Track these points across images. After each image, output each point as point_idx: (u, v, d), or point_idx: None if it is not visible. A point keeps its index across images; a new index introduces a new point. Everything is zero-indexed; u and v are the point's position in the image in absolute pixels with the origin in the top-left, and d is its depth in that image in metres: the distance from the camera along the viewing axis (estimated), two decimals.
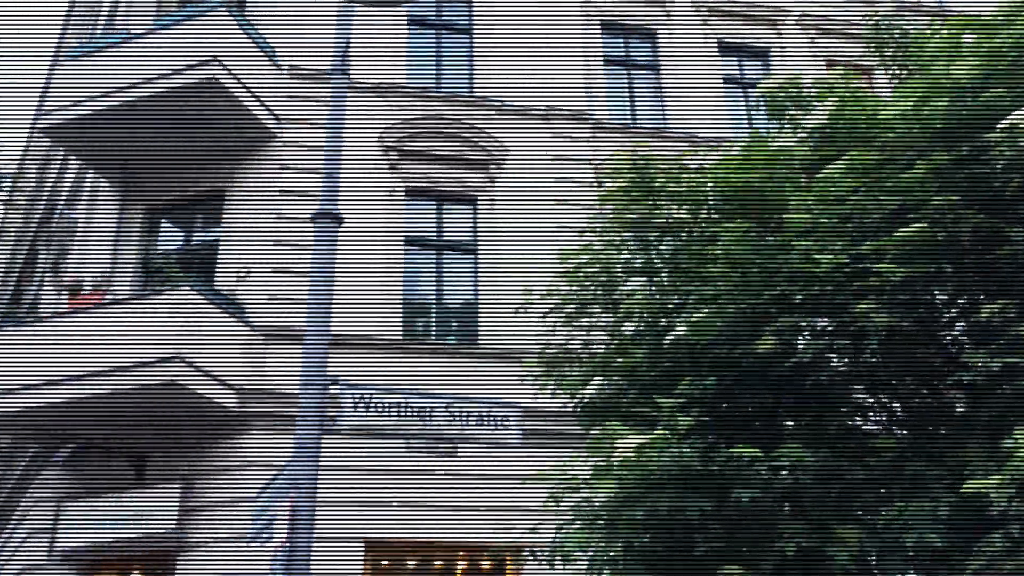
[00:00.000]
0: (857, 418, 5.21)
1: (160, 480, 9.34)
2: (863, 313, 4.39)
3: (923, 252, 4.45)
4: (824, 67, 14.23)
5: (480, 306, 10.86)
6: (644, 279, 5.97)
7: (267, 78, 11.12)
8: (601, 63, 13.42)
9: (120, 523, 9.18)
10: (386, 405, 5.14)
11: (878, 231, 4.65)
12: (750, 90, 14.07)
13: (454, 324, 11.22)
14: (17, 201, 17.81)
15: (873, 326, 4.38)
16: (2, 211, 19.14)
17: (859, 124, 5.35)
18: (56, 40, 17.05)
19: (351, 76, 10.61)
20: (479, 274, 11.12)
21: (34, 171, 17.68)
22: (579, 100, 12.57)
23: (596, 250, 6.05)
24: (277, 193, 10.74)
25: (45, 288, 13.49)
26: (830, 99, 5.56)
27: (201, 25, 10.69)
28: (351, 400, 5.09)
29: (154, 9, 12.62)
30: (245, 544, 7.87)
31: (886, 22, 6.10)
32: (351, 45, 6.57)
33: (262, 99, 10.88)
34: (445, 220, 11.57)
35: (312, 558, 4.86)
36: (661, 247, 5.92)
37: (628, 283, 6.00)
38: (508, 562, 9.53)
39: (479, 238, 11.34)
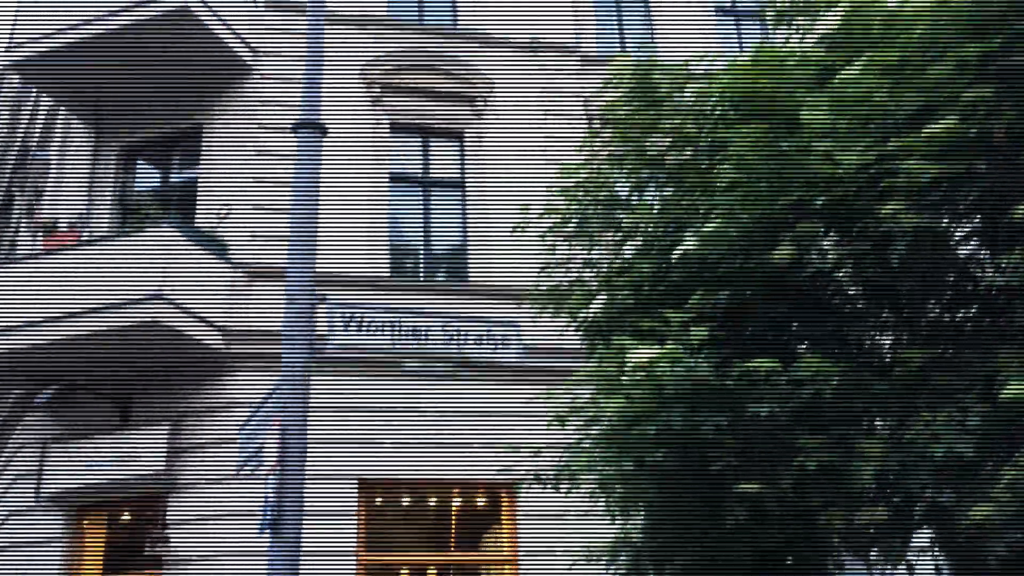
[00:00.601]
0: (877, 335, 4.97)
1: (147, 422, 9.10)
2: (890, 215, 4.12)
3: (954, 149, 4.17)
4: None
5: (471, 239, 10.56)
6: (649, 193, 5.67)
7: (242, 7, 10.64)
8: None
9: (108, 465, 8.97)
10: (378, 326, 4.86)
11: (904, 130, 4.35)
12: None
13: (443, 262, 10.92)
14: None
15: (900, 229, 4.11)
16: None
17: (875, 24, 5.02)
18: None
19: (329, 7, 10.25)
20: (469, 209, 10.80)
21: (5, 113, 17.14)
22: (566, 29, 12.13)
23: (597, 164, 5.74)
24: (256, 127, 10.34)
25: (22, 233, 13.12)
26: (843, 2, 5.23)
27: None
28: (341, 320, 4.80)
29: None
30: (235, 478, 7.71)
31: None
32: None
33: (236, 30, 10.42)
34: (432, 156, 11.21)
35: (305, 490, 4.64)
36: (666, 161, 5.61)
37: (632, 199, 5.70)
38: (504, 496, 9.41)
39: (467, 172, 11.00)
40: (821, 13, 5.59)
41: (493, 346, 5.12)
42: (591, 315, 5.47)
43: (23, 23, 10.64)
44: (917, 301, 4.79)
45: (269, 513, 4.36)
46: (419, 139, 11.16)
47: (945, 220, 4.52)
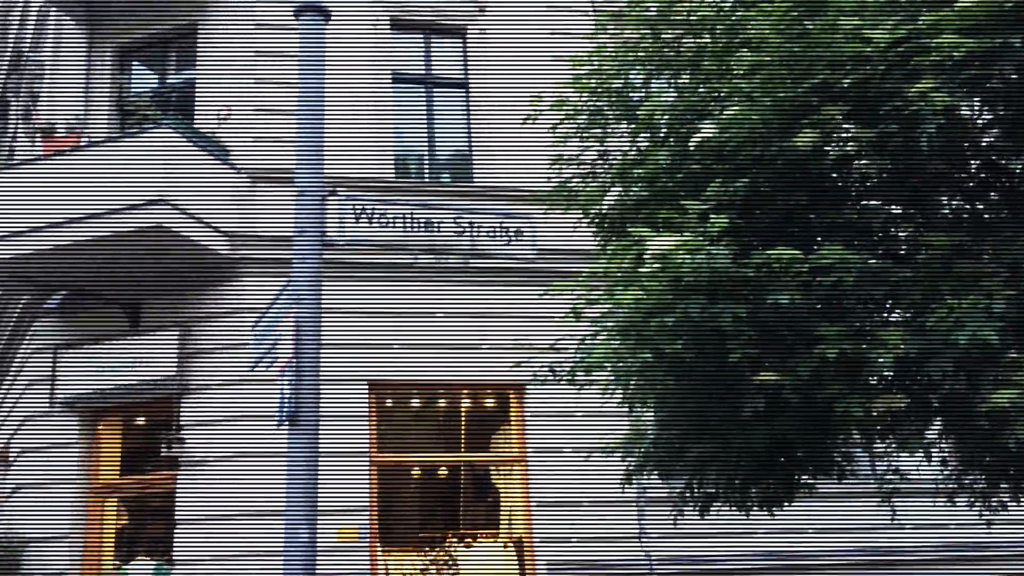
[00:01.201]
0: (899, 224, 4.86)
1: (156, 327, 9.10)
2: (920, 94, 3.95)
3: (989, 23, 3.96)
4: None
5: (476, 138, 10.34)
6: (664, 81, 5.46)
7: None
8: None
9: (119, 370, 9.02)
10: (389, 219, 4.76)
11: (936, 4, 4.13)
12: None
13: (449, 163, 10.72)
14: None
15: (931, 109, 3.95)
16: None
17: None
18: None
19: None
20: (474, 107, 10.54)
21: None
22: None
23: (610, 52, 5.51)
24: (254, 26, 10.01)
25: (19, 139, 12.88)
26: None
27: None
28: (352, 213, 4.69)
29: None
30: (248, 378, 7.73)
31: None
32: None
33: None
34: (434, 53, 10.89)
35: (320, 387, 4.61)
36: (682, 47, 5.39)
37: (648, 87, 5.49)
38: (513, 396, 9.48)
39: (469, 69, 10.69)
40: None
41: (506, 239, 5.02)
42: (606, 209, 5.34)
43: None
44: (941, 188, 4.67)
45: (286, 406, 4.34)
46: (421, 36, 10.83)
47: (976, 100, 4.34)
